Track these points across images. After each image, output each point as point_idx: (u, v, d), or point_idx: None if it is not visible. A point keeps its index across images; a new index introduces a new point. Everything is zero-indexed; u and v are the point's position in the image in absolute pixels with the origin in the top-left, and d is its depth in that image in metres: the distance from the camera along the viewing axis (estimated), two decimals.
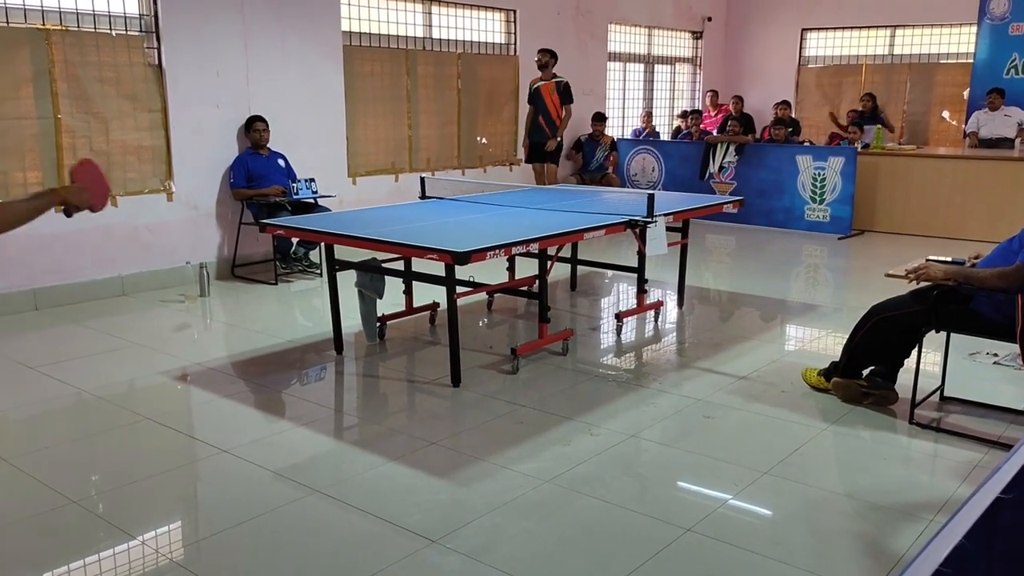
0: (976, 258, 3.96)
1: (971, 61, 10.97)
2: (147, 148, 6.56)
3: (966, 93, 11.02)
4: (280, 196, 6.95)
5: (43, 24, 5.95)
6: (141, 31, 6.50)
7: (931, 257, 4.12)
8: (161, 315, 6.03)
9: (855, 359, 4.14)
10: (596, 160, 10.35)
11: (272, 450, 3.77)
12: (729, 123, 10.30)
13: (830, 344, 5.35)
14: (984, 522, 1.07)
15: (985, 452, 3.64)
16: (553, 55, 8.72)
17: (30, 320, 5.86)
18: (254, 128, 7.03)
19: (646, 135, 11.41)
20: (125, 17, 6.40)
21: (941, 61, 11.67)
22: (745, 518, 3.17)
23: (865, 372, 4.18)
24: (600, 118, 10.30)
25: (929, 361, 4.31)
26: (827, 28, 12.54)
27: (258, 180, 7.02)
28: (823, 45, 12.70)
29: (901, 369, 4.13)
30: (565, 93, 8.77)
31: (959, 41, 11.49)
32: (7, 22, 5.79)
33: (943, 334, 3.93)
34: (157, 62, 6.57)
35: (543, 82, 8.75)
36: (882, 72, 12.10)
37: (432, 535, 2.96)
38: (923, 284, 3.83)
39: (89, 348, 5.23)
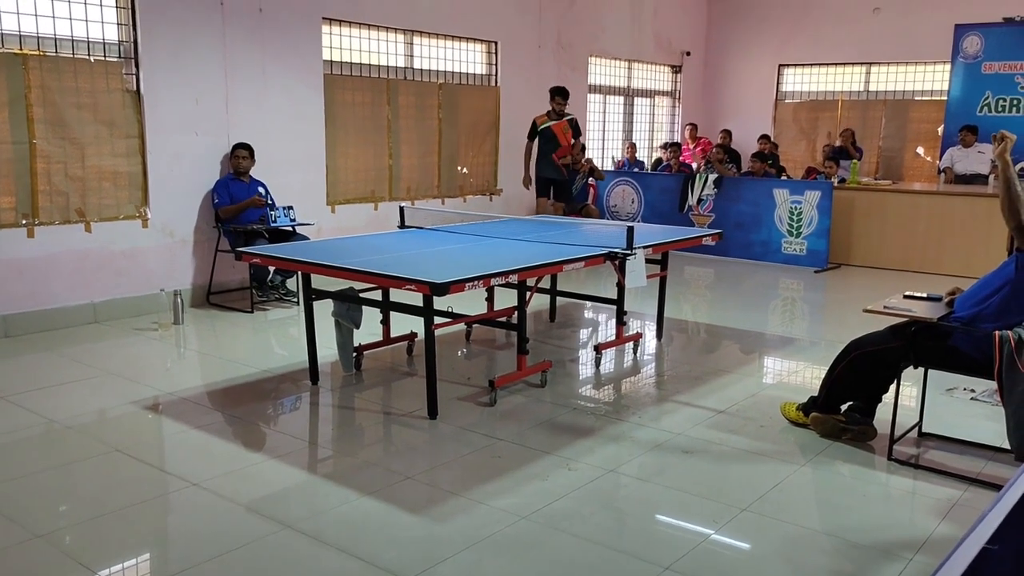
0: (953, 293, 3.99)
1: (945, 98, 11.18)
2: (123, 174, 6.50)
3: (940, 129, 11.21)
4: (260, 206, 6.90)
5: (20, 49, 5.90)
6: (120, 57, 6.47)
7: (907, 293, 4.15)
8: (134, 343, 5.94)
9: (833, 394, 4.14)
10: (576, 187, 10.35)
11: (245, 483, 3.69)
12: (714, 149, 10.40)
13: (808, 378, 5.36)
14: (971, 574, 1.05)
15: (964, 489, 3.63)
16: (567, 96, 8.83)
17: (1, 347, 5.75)
18: (236, 154, 7.00)
19: (630, 165, 11.47)
20: (104, 43, 6.37)
21: (916, 98, 11.88)
22: (725, 554, 3.14)
23: (843, 407, 4.18)
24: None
25: (906, 395, 4.32)
26: (803, 64, 12.74)
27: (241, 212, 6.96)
28: (800, 81, 12.89)
29: (879, 404, 4.13)
30: (576, 128, 9.03)
31: (933, 79, 11.71)
32: None
33: (920, 370, 3.94)
34: (135, 88, 6.54)
35: (554, 121, 8.79)
36: (858, 108, 12.29)
37: (407, 573, 2.90)
38: (902, 320, 3.84)
39: (60, 376, 5.12)
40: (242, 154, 7.02)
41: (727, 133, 11.72)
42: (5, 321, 5.97)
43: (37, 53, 5.98)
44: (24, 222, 6.03)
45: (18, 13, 5.87)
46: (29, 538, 3.13)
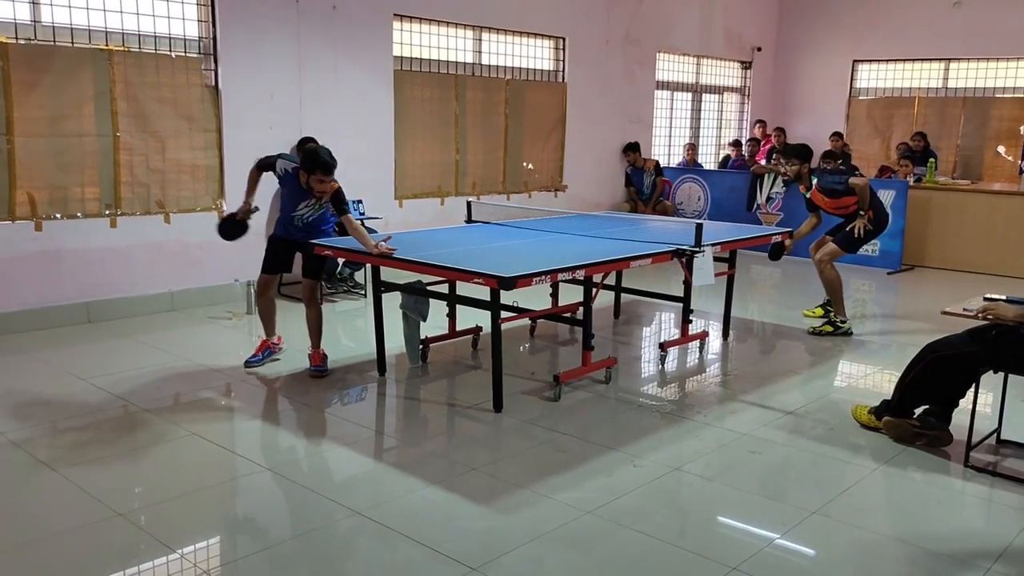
0: None
1: None
2: (201, 167, 6.69)
3: (1023, 128, 10.79)
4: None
5: (106, 45, 6.12)
6: (199, 53, 6.66)
7: (988, 295, 4.01)
8: (209, 331, 6.11)
9: (908, 398, 4.04)
10: (646, 187, 10.34)
11: (315, 469, 3.77)
12: (774, 156, 10.22)
13: (880, 381, 5.23)
14: None
15: None
16: (806, 157, 6.48)
17: (83, 333, 5.98)
18: (305, 149, 7.12)
19: (689, 168, 11.36)
20: (184, 39, 6.56)
21: (996, 95, 11.45)
22: (792, 559, 3.09)
23: (917, 411, 4.07)
24: (631, 147, 10.30)
25: (984, 401, 4.18)
26: (879, 60, 12.40)
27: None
28: (875, 77, 12.56)
29: (955, 410, 4.01)
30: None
31: (1016, 75, 11.28)
32: (72, 42, 5.97)
33: (999, 375, 3.82)
34: (214, 83, 6.72)
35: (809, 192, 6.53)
36: (935, 105, 11.91)
37: (471, 562, 2.93)
38: (982, 323, 3.72)
39: (139, 362, 5.31)
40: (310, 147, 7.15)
41: (780, 131, 11.48)
42: (88, 308, 6.21)
43: (121, 49, 6.20)
44: (107, 212, 6.26)
45: (104, 10, 6.09)
46: (111, 516, 3.26)
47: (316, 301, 5.23)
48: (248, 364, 5.20)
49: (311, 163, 4.77)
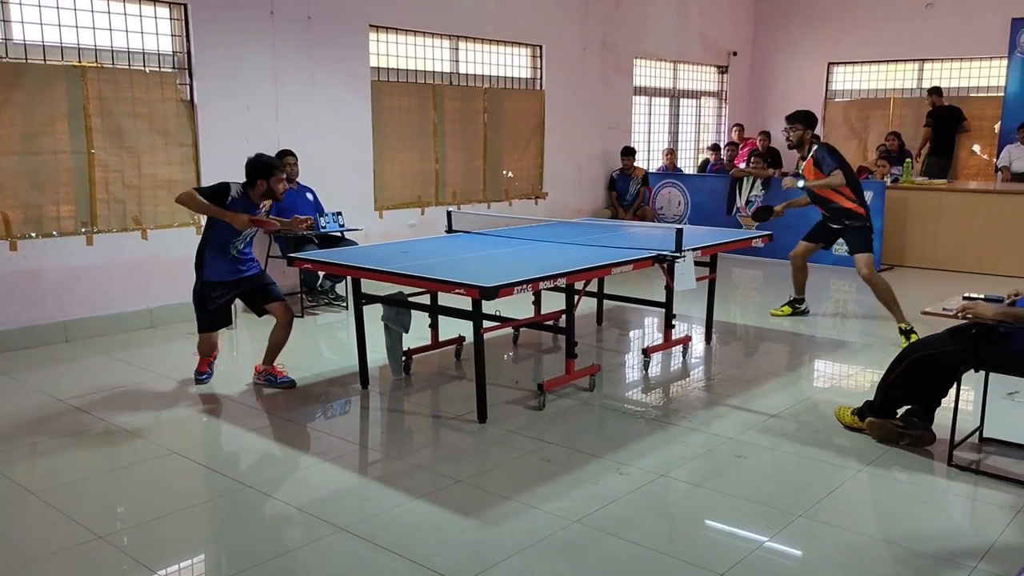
0: (1016, 295, 3.87)
1: (1002, 95, 10.89)
2: (178, 182, 6.63)
3: (997, 127, 10.92)
4: (308, 228, 6.98)
5: (79, 61, 6.07)
6: (174, 68, 6.61)
7: (967, 294, 4.04)
8: (189, 347, 6.03)
9: (890, 398, 4.05)
10: (630, 194, 10.37)
11: (298, 485, 3.74)
12: (752, 159, 10.28)
13: (863, 382, 5.25)
14: None
15: None
16: (808, 122, 6.38)
17: (61, 352, 5.90)
18: (284, 162, 7.09)
19: (669, 173, 11.40)
20: (159, 54, 6.52)
21: (971, 94, 11.57)
22: (780, 562, 3.09)
23: (900, 411, 4.09)
24: (629, 152, 10.33)
25: (965, 399, 4.21)
26: (854, 62, 12.51)
27: (286, 213, 7.01)
28: (850, 79, 12.67)
29: (938, 409, 4.03)
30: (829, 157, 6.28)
31: (989, 75, 11.40)
32: (44, 60, 5.91)
33: (980, 373, 3.84)
34: (189, 98, 6.67)
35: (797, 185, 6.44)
36: (910, 106, 12.02)
37: None
38: (962, 322, 3.74)
39: (117, 380, 5.24)
40: (291, 160, 7.11)
41: (766, 135, 11.56)
42: (65, 326, 6.13)
43: (95, 65, 6.14)
44: (83, 230, 6.20)
45: (77, 27, 6.04)
46: (91, 538, 3.20)
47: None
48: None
49: (267, 166, 4.83)
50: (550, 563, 3.02)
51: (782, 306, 7.01)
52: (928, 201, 9.33)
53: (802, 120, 6.37)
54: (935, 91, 11.10)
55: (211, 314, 4.98)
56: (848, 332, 6.54)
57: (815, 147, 6.34)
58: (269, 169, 4.82)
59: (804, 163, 6.42)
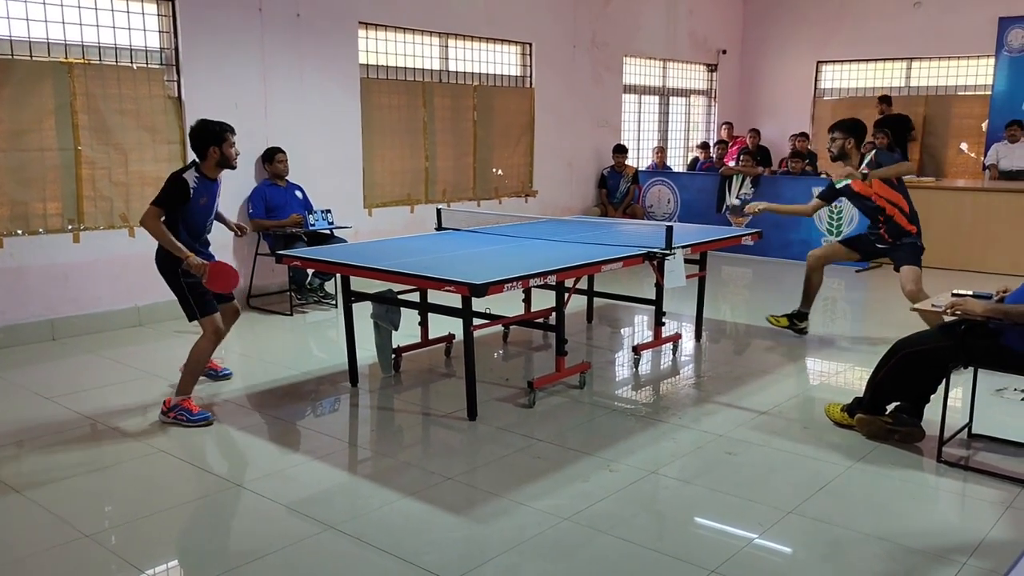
0: (1004, 292, 3.89)
1: (989, 93, 10.94)
2: (165, 179, 6.57)
3: (984, 125, 10.97)
4: (298, 226, 6.97)
5: (66, 58, 6.02)
6: (161, 64, 6.57)
7: (956, 291, 4.05)
8: (177, 345, 6.00)
9: (880, 395, 4.06)
10: (620, 192, 10.38)
11: (287, 484, 3.71)
12: (742, 157, 10.30)
13: (852, 379, 5.27)
14: None
15: (1017, 492, 3.54)
16: (853, 131, 5.68)
17: (47, 350, 5.86)
18: (276, 159, 7.08)
19: (658, 171, 11.42)
20: (146, 50, 6.47)
21: (959, 93, 11.62)
22: (771, 558, 3.09)
23: (890, 408, 4.10)
24: (621, 150, 10.33)
25: (954, 396, 4.22)
26: (842, 61, 12.55)
27: (276, 211, 7.05)
28: (839, 77, 12.70)
29: (927, 405, 4.04)
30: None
31: (976, 73, 11.46)
32: (31, 56, 5.86)
33: (969, 369, 3.85)
34: (177, 94, 6.63)
35: (849, 179, 5.69)
36: (898, 104, 12.04)
37: (448, 574, 2.89)
38: (950, 319, 3.76)
39: (105, 378, 5.21)
40: (280, 158, 7.10)
41: (755, 133, 11.59)
42: (52, 325, 6.08)
43: (82, 61, 6.09)
44: (70, 227, 6.15)
45: (63, 23, 5.99)
46: (78, 537, 3.18)
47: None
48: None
49: (216, 131, 4.40)
50: (540, 561, 3.01)
51: (780, 316, 6.26)
52: (916, 199, 9.23)
53: (846, 129, 5.60)
54: (884, 99, 11.26)
55: (206, 291, 4.45)
56: (837, 329, 6.56)
57: (873, 152, 5.61)
58: (220, 134, 4.39)
59: (852, 180, 5.58)
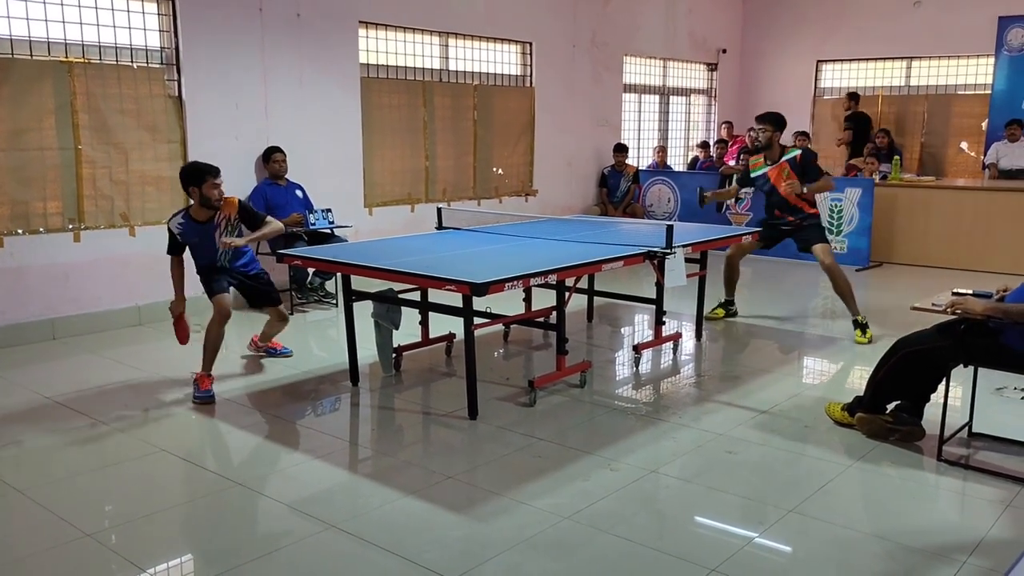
0: (1004, 291, 3.89)
1: (989, 92, 10.95)
2: (165, 179, 6.59)
3: (984, 124, 10.97)
4: (299, 225, 6.97)
5: (66, 57, 6.02)
6: (162, 63, 6.57)
7: (956, 290, 4.05)
8: (177, 345, 6.01)
9: (880, 394, 4.06)
10: (620, 191, 10.38)
11: (288, 483, 3.72)
12: (741, 156, 10.30)
13: (852, 378, 5.27)
14: None
15: (1017, 491, 3.54)
16: (780, 125, 6.36)
17: (48, 350, 5.86)
18: (273, 159, 7.08)
19: (659, 170, 11.41)
20: (146, 49, 6.47)
21: (958, 92, 11.63)
22: (772, 557, 3.09)
23: (890, 407, 4.10)
24: (621, 149, 10.34)
25: (954, 395, 4.22)
26: (842, 60, 12.55)
27: (277, 210, 7.02)
28: (838, 76, 12.70)
29: (927, 404, 4.04)
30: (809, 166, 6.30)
31: (976, 72, 11.45)
32: (31, 55, 5.86)
33: (969, 368, 3.85)
34: (177, 94, 6.63)
35: (770, 165, 6.29)
36: (898, 103, 12.08)
37: (450, 573, 2.90)
38: (950, 317, 3.76)
39: (105, 378, 5.21)
40: (279, 157, 7.10)
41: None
42: (52, 324, 6.09)
43: (82, 60, 6.09)
44: (70, 227, 6.15)
45: (63, 22, 5.99)
46: (79, 536, 3.18)
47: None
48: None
49: (197, 172, 4.79)
50: (541, 559, 3.02)
51: (715, 308, 6.74)
52: (917, 198, 9.37)
53: (774, 122, 6.27)
54: (852, 96, 11.40)
55: (218, 279, 5.01)
56: (837, 329, 6.55)
57: (798, 151, 6.27)
58: (200, 175, 4.76)
59: (772, 165, 6.26)
